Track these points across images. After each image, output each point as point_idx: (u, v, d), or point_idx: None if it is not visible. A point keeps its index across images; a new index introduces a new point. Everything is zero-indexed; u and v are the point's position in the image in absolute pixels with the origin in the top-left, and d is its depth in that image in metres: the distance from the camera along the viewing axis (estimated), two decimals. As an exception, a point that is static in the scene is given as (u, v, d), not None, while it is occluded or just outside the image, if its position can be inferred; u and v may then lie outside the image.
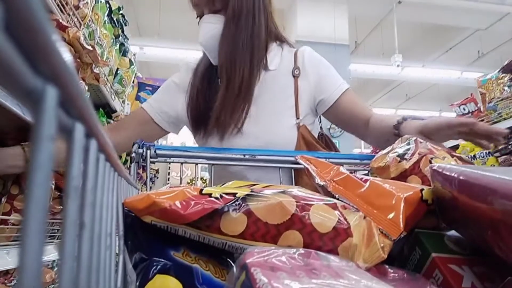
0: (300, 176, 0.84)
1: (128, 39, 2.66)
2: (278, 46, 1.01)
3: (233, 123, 0.92)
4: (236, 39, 0.90)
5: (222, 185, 0.53)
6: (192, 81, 1.01)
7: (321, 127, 1.06)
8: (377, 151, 0.69)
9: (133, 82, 2.86)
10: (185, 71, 1.06)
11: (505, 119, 2.44)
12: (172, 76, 1.08)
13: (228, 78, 0.91)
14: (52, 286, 1.51)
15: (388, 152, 0.64)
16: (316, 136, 0.98)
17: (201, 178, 6.11)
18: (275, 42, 1.01)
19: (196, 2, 0.96)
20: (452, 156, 0.61)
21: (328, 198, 0.47)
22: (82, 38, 1.47)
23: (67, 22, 1.46)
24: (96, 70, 1.78)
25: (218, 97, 0.92)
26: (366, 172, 0.83)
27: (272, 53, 0.99)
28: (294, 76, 0.97)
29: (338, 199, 0.51)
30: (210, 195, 0.43)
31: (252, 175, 0.92)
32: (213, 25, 0.92)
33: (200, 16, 0.97)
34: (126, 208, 0.43)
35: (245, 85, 0.91)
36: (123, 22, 2.50)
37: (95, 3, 1.85)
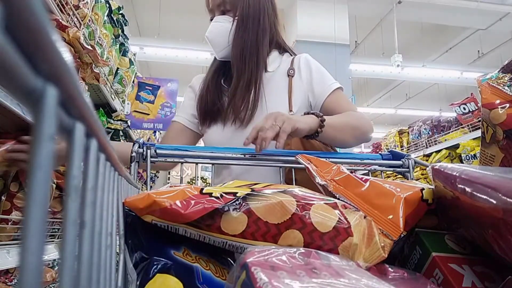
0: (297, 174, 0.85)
1: (128, 39, 2.66)
2: (279, 54, 1.13)
3: (243, 112, 1.02)
4: (245, 39, 1.03)
5: (223, 184, 0.53)
6: (203, 81, 1.14)
7: None
8: (378, 151, 0.69)
9: (133, 81, 2.86)
10: (197, 79, 1.19)
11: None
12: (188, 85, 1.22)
13: (239, 73, 1.04)
14: (53, 285, 1.51)
15: None
16: None
17: (202, 178, 6.12)
18: (277, 50, 1.13)
19: (211, 7, 1.07)
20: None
21: (328, 198, 0.47)
22: (82, 38, 1.47)
23: (67, 22, 1.46)
24: (96, 70, 1.78)
25: (231, 88, 1.05)
26: (366, 171, 0.84)
27: (271, 57, 1.10)
28: (289, 75, 1.08)
29: (338, 198, 0.51)
30: (210, 194, 0.43)
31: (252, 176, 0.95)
32: (220, 23, 1.04)
33: (212, 19, 1.08)
34: (126, 208, 0.43)
35: (254, 79, 1.03)
36: (123, 22, 2.49)
37: (95, 3, 1.85)
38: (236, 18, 1.04)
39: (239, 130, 1.02)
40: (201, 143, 1.19)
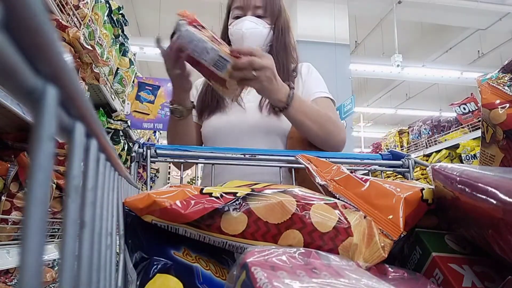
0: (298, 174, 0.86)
1: (128, 39, 2.66)
2: None
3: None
4: (281, 53, 1.11)
5: (223, 184, 0.53)
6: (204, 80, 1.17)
7: None
8: (378, 151, 0.69)
9: (133, 81, 2.86)
10: (200, 81, 1.23)
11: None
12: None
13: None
14: (53, 285, 1.51)
15: None
16: None
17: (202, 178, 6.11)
18: None
19: (243, 5, 1.09)
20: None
21: (329, 198, 0.47)
22: (82, 38, 1.47)
23: (67, 22, 1.46)
24: (96, 70, 1.78)
25: None
26: (366, 171, 0.84)
27: None
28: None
29: (338, 198, 0.51)
30: (210, 194, 0.43)
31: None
32: (256, 25, 1.07)
33: (236, 18, 1.10)
34: (126, 208, 0.43)
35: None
36: (123, 22, 2.49)
37: (95, 3, 1.85)
38: (272, 27, 1.09)
39: (240, 116, 1.06)
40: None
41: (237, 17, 1.10)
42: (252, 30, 1.07)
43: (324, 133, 0.98)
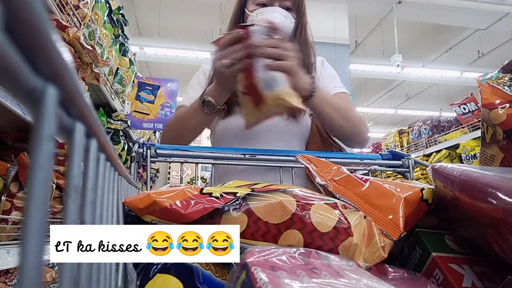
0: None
1: (128, 39, 2.66)
2: None
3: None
4: (308, 44, 1.11)
5: (223, 184, 0.53)
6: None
7: None
8: (378, 151, 0.69)
9: (133, 81, 2.86)
10: (207, 66, 1.16)
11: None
12: (199, 72, 1.18)
13: None
14: (53, 285, 1.51)
15: None
16: None
17: (202, 178, 6.12)
18: None
19: None
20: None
21: (329, 198, 0.47)
22: (82, 38, 1.47)
23: (67, 22, 1.46)
24: (96, 70, 1.78)
25: None
26: (366, 171, 0.84)
27: None
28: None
29: (338, 198, 0.51)
30: (210, 194, 0.43)
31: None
32: (285, 18, 1.03)
33: (260, 5, 1.06)
34: (126, 208, 0.43)
35: None
36: (123, 22, 2.49)
37: (95, 3, 1.85)
38: (297, 22, 1.07)
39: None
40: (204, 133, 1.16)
41: (263, 4, 1.05)
42: (283, 24, 1.01)
43: (349, 126, 0.95)
